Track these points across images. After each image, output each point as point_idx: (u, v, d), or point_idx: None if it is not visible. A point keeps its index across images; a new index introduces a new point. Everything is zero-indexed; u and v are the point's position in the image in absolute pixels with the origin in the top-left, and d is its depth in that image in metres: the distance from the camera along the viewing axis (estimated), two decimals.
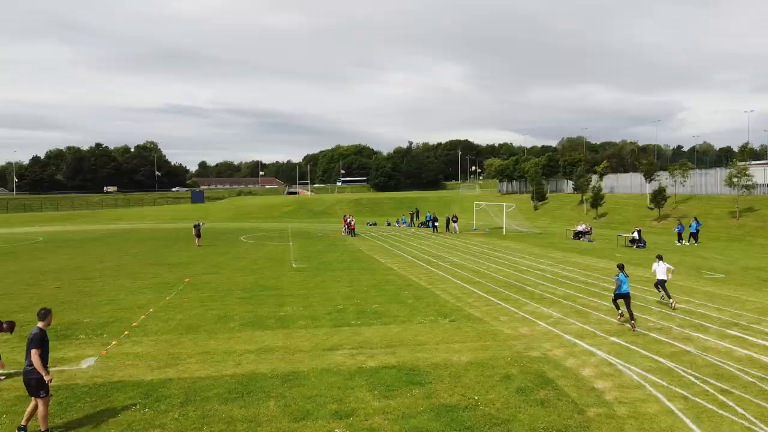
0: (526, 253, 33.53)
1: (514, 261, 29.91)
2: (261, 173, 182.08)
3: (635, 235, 36.37)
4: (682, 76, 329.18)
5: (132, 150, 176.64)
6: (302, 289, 21.98)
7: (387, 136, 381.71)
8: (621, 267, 16.12)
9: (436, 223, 52.29)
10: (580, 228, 42.26)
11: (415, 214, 64.61)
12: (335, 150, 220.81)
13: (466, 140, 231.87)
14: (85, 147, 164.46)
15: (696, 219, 39.79)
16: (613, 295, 16.20)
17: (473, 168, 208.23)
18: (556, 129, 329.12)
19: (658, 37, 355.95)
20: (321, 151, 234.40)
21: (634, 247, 35.90)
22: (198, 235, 40.97)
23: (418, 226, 58.92)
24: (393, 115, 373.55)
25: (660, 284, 18.18)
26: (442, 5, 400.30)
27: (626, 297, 15.52)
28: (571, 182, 72.10)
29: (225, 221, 76.99)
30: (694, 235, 38.21)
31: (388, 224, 63.09)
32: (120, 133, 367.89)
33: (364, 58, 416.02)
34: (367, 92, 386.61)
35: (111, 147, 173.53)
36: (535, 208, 71.87)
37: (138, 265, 30.33)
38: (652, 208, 52.02)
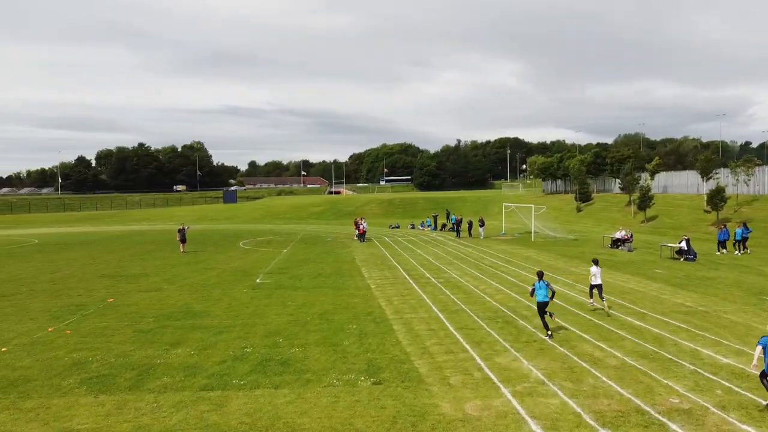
0: (545, 266, 27.85)
1: (524, 278, 24.34)
2: (303, 173, 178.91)
3: (683, 244, 29.99)
4: (752, 69, 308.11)
5: (179, 149, 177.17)
6: (230, 317, 17.28)
7: (437, 135, 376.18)
8: (540, 275, 15.27)
9: (459, 227, 46.79)
10: (619, 234, 36.00)
11: (439, 217, 59.15)
12: (380, 149, 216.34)
13: (516, 138, 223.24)
14: (152, 147, 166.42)
15: (744, 225, 33.17)
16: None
17: (523, 166, 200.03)
18: (613, 126, 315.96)
19: (725, 30, 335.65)
20: (366, 150, 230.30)
21: (682, 259, 29.60)
22: (182, 240, 36.96)
23: (442, 229, 53.43)
24: (444, 114, 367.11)
25: (596, 288, 17.49)
26: (496, 2, 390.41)
27: (543, 306, 14.65)
28: (618, 181, 64.97)
29: (248, 222, 73.49)
30: (741, 244, 31.70)
31: (412, 227, 57.90)
32: (178, 134, 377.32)
33: (417, 57, 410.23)
34: (418, 91, 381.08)
35: (159, 147, 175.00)
36: (578, 210, 65.15)
37: (86, 277, 26.35)
38: (708, 211, 44.96)
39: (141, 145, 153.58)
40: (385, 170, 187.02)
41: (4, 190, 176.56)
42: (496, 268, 27.51)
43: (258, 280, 24.56)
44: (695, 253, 29.83)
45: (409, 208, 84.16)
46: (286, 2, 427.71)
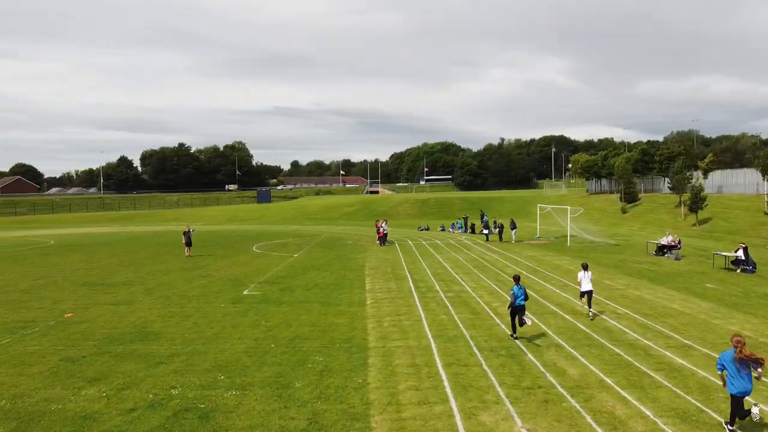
0: (573, 277, 24.33)
1: (547, 294, 20.97)
2: (342, 173, 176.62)
3: (740, 253, 25.92)
4: None
5: (221, 149, 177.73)
6: (185, 342, 14.64)
7: (482, 135, 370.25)
8: (516, 279, 14.99)
9: (486, 231, 43.28)
10: (665, 240, 31.99)
11: (471, 218, 55.66)
12: (421, 148, 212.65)
13: (561, 135, 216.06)
14: (193, 148, 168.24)
15: None
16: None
17: (568, 165, 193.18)
18: (665, 124, 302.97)
19: None
20: (407, 150, 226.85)
21: (738, 270, 25.57)
22: (188, 244, 34.77)
23: (472, 231, 49.99)
24: (489, 113, 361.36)
25: (586, 296, 16.69)
26: None
27: (519, 310, 14.24)
28: (667, 180, 60.09)
29: (277, 223, 71.54)
30: None
31: (442, 229, 54.59)
32: (228, 136, 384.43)
33: (463, 56, 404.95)
34: (464, 90, 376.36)
35: (200, 147, 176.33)
36: (623, 211, 60.58)
37: (66, 285, 24.24)
38: None
39: (181, 145, 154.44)
40: (425, 170, 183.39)
41: (54, 189, 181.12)
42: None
43: (245, 292, 21.92)
44: (754, 264, 25.75)
45: (444, 209, 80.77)
46: (333, 3, 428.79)
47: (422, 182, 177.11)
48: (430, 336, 14.90)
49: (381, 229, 40.50)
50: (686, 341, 14.13)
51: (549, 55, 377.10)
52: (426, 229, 55.03)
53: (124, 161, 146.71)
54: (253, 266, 29.70)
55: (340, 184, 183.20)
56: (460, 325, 16.00)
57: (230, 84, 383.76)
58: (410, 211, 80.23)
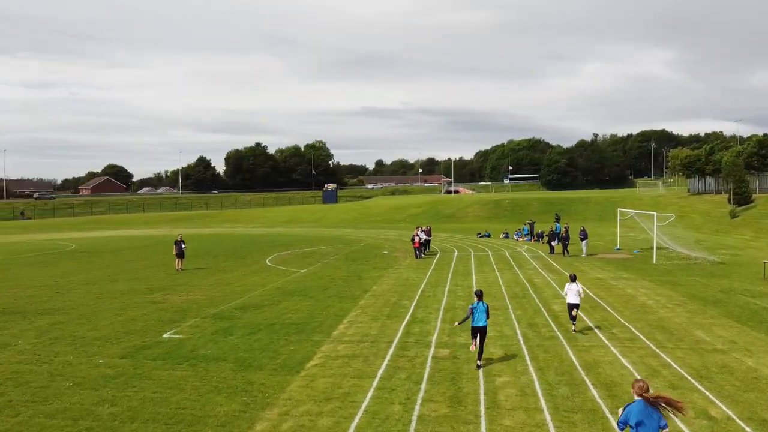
0: (654, 322, 16.44)
1: (597, 357, 13.41)
2: (420, 170, 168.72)
3: None
4: None
5: (302, 149, 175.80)
6: None
7: (576, 132, 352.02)
8: (479, 294, 12.79)
9: (553, 242, 35.15)
10: None
11: (541, 224, 47.43)
12: (506, 145, 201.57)
13: (663, 130, 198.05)
14: (274, 148, 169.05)
15: None
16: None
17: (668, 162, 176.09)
18: None
19: None
20: (492, 147, 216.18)
21: None
22: (179, 255, 29.47)
23: (539, 239, 41.84)
24: (584, 109, 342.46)
25: (575, 309, 15.37)
26: None
27: (480, 331, 12.31)
28: None
29: (332, 226, 66.12)
30: None
31: (505, 236, 46.69)
32: (317, 137, 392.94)
33: (556, 51, 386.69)
34: (557, 86, 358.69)
35: (282, 147, 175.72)
36: (733, 215, 50.05)
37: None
38: None
39: (258, 144, 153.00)
40: (509, 168, 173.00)
41: (144, 189, 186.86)
42: (559, 320, 16.56)
43: (166, 335, 15.80)
44: None
45: (519, 211, 72.25)
46: (421, 2, 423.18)
47: (506, 181, 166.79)
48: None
49: (417, 238, 33.56)
50: None
51: (651, 47, 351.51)
52: (486, 236, 47.41)
53: (202, 161, 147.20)
54: (234, 287, 23.77)
55: (419, 183, 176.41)
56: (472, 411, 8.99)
57: (321, 85, 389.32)
58: (480, 213, 72.35)
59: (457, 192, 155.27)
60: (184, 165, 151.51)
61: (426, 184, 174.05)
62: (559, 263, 29.91)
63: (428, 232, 36.76)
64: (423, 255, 33.43)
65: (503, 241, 43.99)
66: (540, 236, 41.97)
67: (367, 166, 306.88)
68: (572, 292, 15.40)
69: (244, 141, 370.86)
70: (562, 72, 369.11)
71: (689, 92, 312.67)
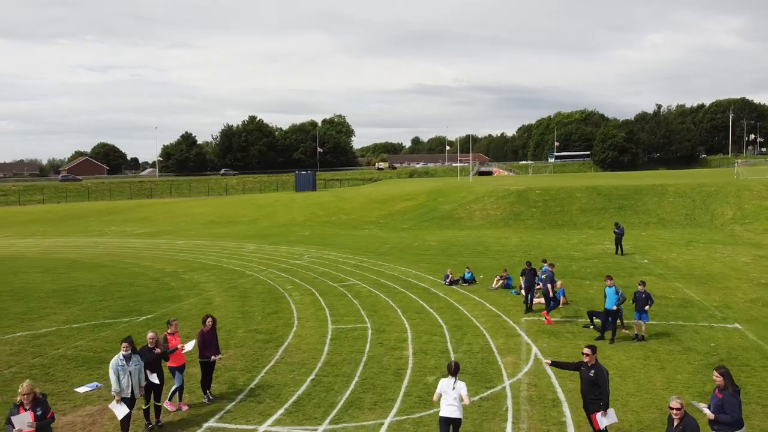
0: None
1: None
2: (448, 147, 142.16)
3: None
4: None
5: (319, 125, 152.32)
6: None
7: (636, 108, 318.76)
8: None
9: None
10: None
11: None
12: (553, 119, 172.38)
13: (743, 98, 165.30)
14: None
15: None
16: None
17: (751, 137, 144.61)
18: None
19: None
20: (537, 121, 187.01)
21: None
22: None
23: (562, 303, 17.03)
24: (646, 83, 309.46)
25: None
26: None
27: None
28: None
29: (255, 234, 42.60)
30: None
31: (511, 286, 21.86)
32: (371, 116, 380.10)
33: (617, 21, 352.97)
34: (618, 59, 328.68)
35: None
36: None
37: None
38: None
39: (252, 118, 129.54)
40: (556, 144, 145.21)
41: (146, 171, 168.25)
42: None
43: None
44: None
45: (553, 209, 46.81)
46: None
47: (551, 159, 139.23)
48: None
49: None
50: None
51: (719, 14, 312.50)
52: (467, 282, 22.83)
53: (186, 138, 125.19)
54: None
55: (448, 163, 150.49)
56: None
57: (374, 63, 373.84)
58: (492, 212, 47.25)
59: (490, 174, 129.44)
60: (167, 143, 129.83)
61: (457, 164, 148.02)
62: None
63: None
64: None
65: (519, 297, 19.30)
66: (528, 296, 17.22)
67: (403, 144, 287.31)
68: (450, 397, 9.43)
69: (299, 120, 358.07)
70: (623, 44, 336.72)
71: (763, 63, 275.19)
